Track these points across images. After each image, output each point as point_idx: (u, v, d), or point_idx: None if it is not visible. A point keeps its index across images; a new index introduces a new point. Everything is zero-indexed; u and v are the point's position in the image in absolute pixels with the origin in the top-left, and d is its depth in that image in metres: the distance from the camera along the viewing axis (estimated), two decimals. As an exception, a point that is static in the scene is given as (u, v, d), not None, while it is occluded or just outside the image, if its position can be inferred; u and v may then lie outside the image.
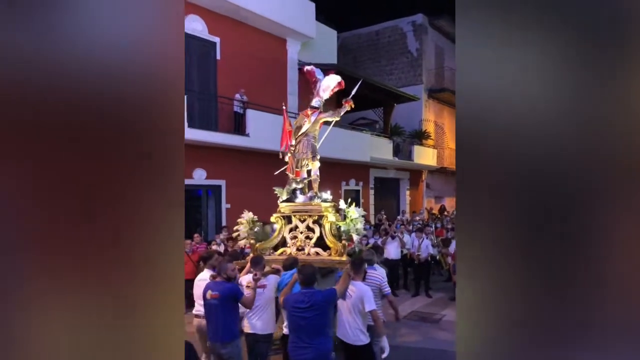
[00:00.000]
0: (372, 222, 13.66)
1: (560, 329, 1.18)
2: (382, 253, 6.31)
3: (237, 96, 10.74)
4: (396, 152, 16.49)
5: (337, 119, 6.02)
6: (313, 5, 13.35)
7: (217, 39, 10.91)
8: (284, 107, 6.50)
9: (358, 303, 3.96)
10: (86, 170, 1.10)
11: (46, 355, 1.06)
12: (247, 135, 10.43)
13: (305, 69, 6.18)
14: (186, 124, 9.07)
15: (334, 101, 9.61)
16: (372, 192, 16.74)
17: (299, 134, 5.73)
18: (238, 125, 10.60)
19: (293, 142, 5.81)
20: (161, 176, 1.22)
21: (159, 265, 1.22)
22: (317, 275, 3.76)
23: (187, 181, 10.09)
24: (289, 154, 5.84)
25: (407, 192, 18.71)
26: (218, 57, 10.95)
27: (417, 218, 15.07)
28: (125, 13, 1.15)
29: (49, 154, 1.05)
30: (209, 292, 4.08)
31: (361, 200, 16.11)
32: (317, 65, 12.39)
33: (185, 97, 9.24)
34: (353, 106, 5.94)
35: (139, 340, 1.18)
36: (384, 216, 13.65)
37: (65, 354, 1.08)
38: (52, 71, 1.05)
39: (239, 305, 4.14)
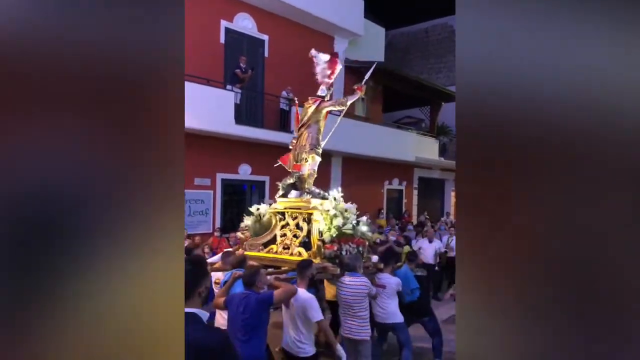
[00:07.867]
0: (415, 223, 13.44)
1: (561, 328, 1.15)
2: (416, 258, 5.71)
3: (284, 93, 10.85)
4: (442, 152, 16.10)
5: (344, 108, 5.38)
6: (362, 2, 13.26)
7: (265, 37, 11.07)
8: (296, 102, 5.99)
9: (300, 314, 3.63)
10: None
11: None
12: (292, 132, 10.52)
13: (310, 53, 5.58)
14: (233, 120, 9.28)
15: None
16: (415, 192, 16.46)
17: (300, 125, 5.38)
18: (283, 123, 10.72)
19: (296, 134, 5.45)
20: (162, 168, 1.28)
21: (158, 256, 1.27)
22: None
23: (233, 176, 10.33)
24: (291, 147, 5.51)
25: (452, 194, 18.25)
26: (266, 54, 11.11)
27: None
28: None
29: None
30: None
31: (404, 201, 15.87)
32: (363, 62, 12.36)
33: (234, 94, 9.46)
34: (364, 93, 5.40)
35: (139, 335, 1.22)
36: (427, 217, 13.39)
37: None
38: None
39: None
